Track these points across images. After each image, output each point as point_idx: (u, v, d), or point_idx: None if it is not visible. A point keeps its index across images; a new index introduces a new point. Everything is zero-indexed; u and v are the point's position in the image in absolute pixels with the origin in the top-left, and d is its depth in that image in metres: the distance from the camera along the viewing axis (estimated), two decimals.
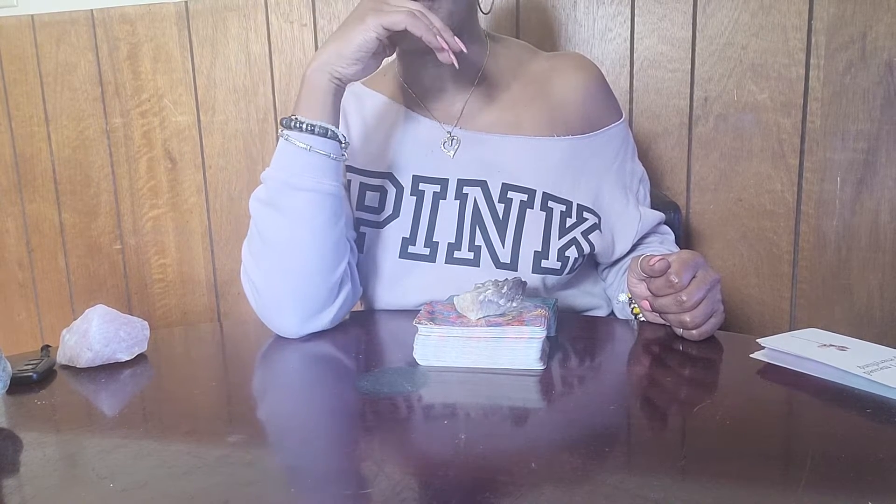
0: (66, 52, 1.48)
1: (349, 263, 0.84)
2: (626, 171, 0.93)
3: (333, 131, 0.77)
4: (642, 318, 0.80)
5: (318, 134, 0.76)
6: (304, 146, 0.76)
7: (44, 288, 1.61)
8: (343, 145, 0.78)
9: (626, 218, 0.91)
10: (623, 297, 0.82)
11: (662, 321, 0.75)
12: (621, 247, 0.90)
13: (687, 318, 0.69)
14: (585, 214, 0.87)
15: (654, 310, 0.73)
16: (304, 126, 0.76)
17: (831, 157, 1.16)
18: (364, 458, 0.50)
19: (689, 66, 1.20)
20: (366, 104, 0.94)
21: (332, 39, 0.76)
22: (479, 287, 0.71)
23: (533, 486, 0.44)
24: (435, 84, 0.90)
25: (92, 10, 1.45)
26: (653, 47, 1.20)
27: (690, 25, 1.19)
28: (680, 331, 0.71)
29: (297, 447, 0.52)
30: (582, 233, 0.86)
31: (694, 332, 0.70)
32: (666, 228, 0.98)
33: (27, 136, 1.54)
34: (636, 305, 0.80)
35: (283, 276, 0.77)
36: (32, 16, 1.48)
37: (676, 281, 0.69)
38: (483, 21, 0.98)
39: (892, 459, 0.47)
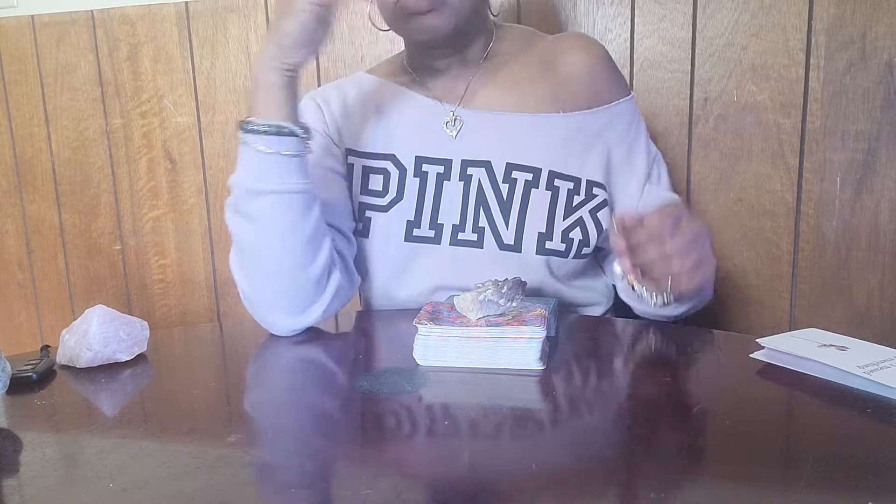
0: (67, 53, 1.48)
1: (341, 253, 0.84)
2: (638, 151, 0.90)
3: (291, 129, 0.75)
4: (646, 293, 0.74)
5: (277, 133, 0.75)
6: (264, 149, 0.75)
7: (44, 288, 1.61)
8: (305, 139, 0.77)
9: (626, 197, 0.89)
10: (618, 269, 0.77)
11: (655, 287, 0.71)
12: None
13: (674, 267, 0.67)
14: (595, 190, 0.85)
15: (638, 266, 0.69)
16: (260, 128, 0.75)
17: (831, 157, 1.16)
18: (364, 458, 0.50)
19: (689, 67, 1.20)
20: (365, 86, 0.94)
21: (270, 34, 0.75)
22: (479, 287, 0.71)
23: (533, 487, 0.44)
24: (440, 69, 0.90)
25: (92, 11, 1.45)
26: (653, 48, 1.20)
27: (690, 26, 1.19)
28: (668, 295, 0.69)
29: (297, 447, 0.52)
30: (590, 211, 0.85)
31: (684, 280, 0.67)
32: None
33: (27, 136, 1.54)
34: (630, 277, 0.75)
35: (263, 278, 0.78)
36: (32, 16, 1.48)
37: (654, 229, 0.65)
38: None
39: (892, 459, 0.47)
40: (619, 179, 0.89)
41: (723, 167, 1.21)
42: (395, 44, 1.33)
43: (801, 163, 1.18)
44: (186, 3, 1.41)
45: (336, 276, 0.81)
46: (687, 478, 0.45)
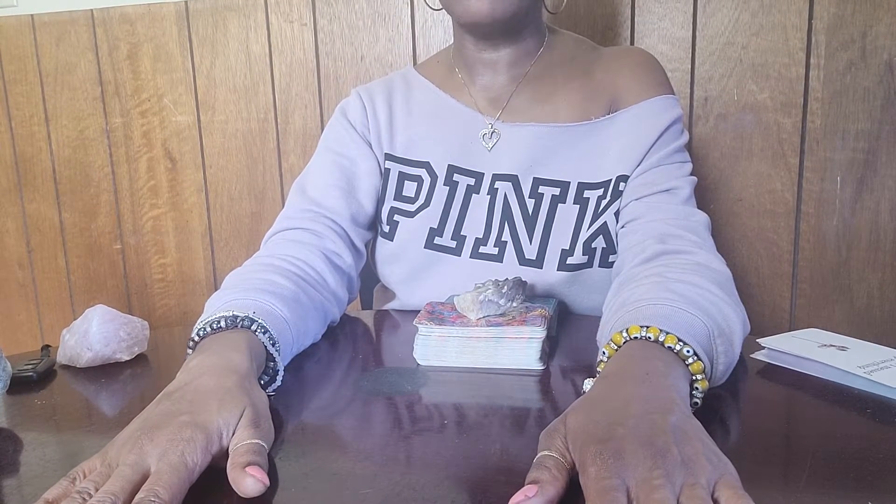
0: (66, 52, 1.48)
1: (347, 272, 0.85)
2: (666, 153, 0.81)
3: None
4: None
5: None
6: None
7: (44, 288, 1.61)
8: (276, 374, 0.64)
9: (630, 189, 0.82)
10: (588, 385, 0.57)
11: None
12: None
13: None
14: (622, 186, 0.81)
15: None
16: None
17: (831, 156, 1.16)
18: (364, 457, 0.50)
19: (689, 66, 1.20)
20: (413, 88, 0.93)
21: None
22: (479, 287, 0.71)
23: None
24: (486, 72, 0.89)
25: (92, 10, 1.45)
26: (653, 47, 1.20)
27: (690, 25, 1.18)
28: None
29: (297, 447, 0.52)
30: (615, 213, 0.81)
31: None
32: (688, 245, 0.72)
33: (27, 136, 1.54)
34: None
35: None
36: (32, 16, 1.48)
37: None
38: None
39: (892, 459, 0.47)
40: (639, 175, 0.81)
41: (723, 167, 1.21)
42: (394, 42, 1.33)
43: (801, 162, 1.18)
44: (186, 2, 1.41)
45: (332, 312, 0.81)
46: None
